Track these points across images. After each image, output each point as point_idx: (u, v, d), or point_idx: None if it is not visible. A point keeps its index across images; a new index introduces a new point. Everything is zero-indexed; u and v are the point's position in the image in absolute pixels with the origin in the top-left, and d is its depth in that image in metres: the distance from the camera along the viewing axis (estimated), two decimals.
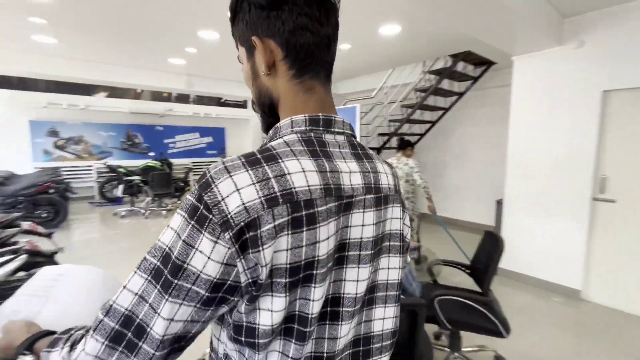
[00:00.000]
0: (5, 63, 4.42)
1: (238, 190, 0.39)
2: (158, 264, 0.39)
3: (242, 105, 10.35)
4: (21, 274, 1.60)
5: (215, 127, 10.21)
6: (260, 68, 0.49)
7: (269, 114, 0.53)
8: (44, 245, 2.12)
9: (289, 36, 0.46)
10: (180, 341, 0.41)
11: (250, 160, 0.42)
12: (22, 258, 1.44)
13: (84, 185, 7.78)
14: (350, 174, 0.48)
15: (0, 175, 5.32)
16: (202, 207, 0.39)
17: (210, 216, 0.38)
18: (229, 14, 0.52)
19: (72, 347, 0.42)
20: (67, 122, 7.96)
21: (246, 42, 0.50)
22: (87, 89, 8.17)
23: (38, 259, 1.93)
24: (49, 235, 2.39)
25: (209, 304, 0.40)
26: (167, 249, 0.40)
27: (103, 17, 3.30)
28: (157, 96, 9.25)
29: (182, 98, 9.50)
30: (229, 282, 0.39)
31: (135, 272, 0.41)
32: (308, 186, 0.42)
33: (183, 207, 0.41)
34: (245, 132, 10.69)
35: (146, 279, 0.40)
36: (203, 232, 0.38)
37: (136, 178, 6.84)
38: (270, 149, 0.44)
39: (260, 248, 0.39)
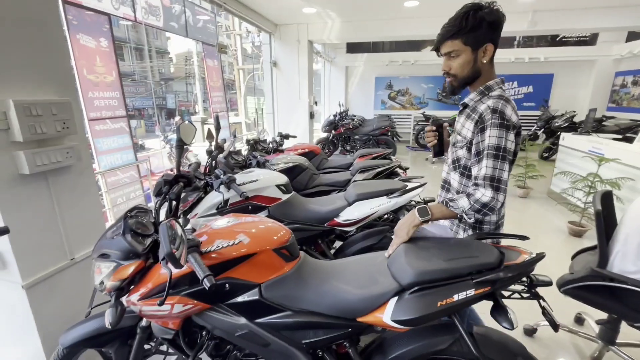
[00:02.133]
0: (376, 30, 5.67)
1: (512, 113, 1.05)
2: (494, 152, 1.02)
3: (587, 41, 7.91)
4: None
5: (539, 74, 8.61)
6: (482, 58, 1.10)
7: (467, 82, 1.15)
8: None
9: (496, 42, 1.10)
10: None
11: (506, 99, 1.07)
12: (420, 189, 1.84)
13: (403, 131, 9.28)
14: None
15: (359, 119, 7.33)
16: (505, 122, 1.03)
17: (509, 124, 1.03)
18: (463, 27, 1.07)
19: (468, 195, 1.05)
20: (399, 76, 9.51)
21: (476, 44, 1.08)
22: (417, 45, 9.20)
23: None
24: (405, 170, 2.97)
25: (511, 162, 1.08)
26: (496, 144, 1.02)
27: None
28: None
29: (505, 42, 8.55)
30: (513, 151, 1.08)
31: (487, 159, 1.03)
32: (519, 118, 1.09)
33: (496, 125, 1.02)
34: (581, 78, 8.28)
35: (493, 159, 1.02)
36: (509, 132, 1.03)
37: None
38: (502, 95, 1.09)
39: (519, 138, 1.11)
